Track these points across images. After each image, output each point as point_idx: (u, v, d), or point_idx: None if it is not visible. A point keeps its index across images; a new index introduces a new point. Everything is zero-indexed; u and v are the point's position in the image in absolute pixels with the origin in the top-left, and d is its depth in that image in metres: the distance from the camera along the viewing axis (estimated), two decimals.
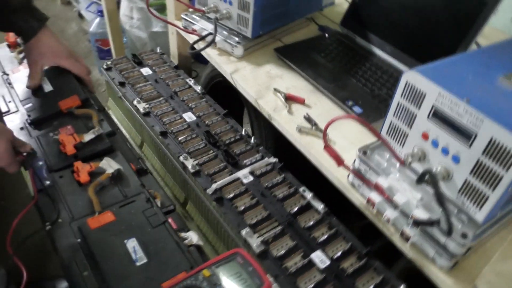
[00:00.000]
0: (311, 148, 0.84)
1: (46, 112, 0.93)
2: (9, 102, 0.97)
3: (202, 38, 1.09)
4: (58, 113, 0.93)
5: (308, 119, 0.90)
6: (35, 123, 0.91)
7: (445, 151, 0.62)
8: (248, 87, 0.98)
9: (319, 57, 1.06)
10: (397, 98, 0.67)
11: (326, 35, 1.15)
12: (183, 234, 0.75)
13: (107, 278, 0.63)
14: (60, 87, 0.99)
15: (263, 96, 0.96)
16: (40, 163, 0.79)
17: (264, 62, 1.07)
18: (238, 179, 0.87)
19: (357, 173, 0.73)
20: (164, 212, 0.76)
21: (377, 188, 0.68)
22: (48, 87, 0.99)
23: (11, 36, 1.15)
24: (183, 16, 1.15)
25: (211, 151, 0.93)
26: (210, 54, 1.09)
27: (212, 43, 1.05)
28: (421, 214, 0.64)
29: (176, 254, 0.68)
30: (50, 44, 0.96)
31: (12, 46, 1.15)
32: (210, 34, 1.07)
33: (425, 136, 0.64)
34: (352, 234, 0.78)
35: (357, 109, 0.90)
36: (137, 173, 0.84)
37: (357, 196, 0.76)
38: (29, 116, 0.92)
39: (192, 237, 0.74)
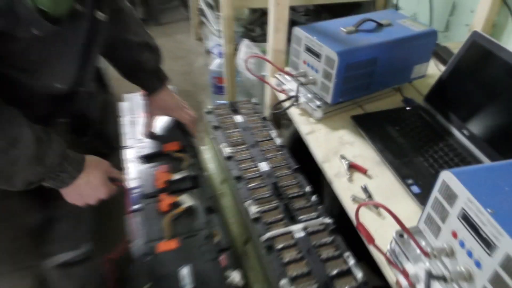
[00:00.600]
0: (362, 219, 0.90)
1: (152, 151, 1.16)
2: (130, 139, 1.22)
3: (287, 98, 1.22)
4: (160, 153, 1.15)
5: (365, 189, 0.96)
6: (143, 158, 1.14)
7: (469, 254, 0.64)
8: (318, 149, 1.08)
9: (394, 130, 1.10)
10: (435, 192, 0.70)
11: (408, 108, 1.19)
12: (229, 272, 0.87)
13: None
14: (168, 132, 1.22)
15: (329, 160, 1.05)
16: (138, 190, 1.00)
17: (340, 127, 1.15)
18: (290, 232, 0.97)
19: (391, 254, 0.78)
20: (218, 249, 0.90)
21: (404, 273, 0.72)
22: (159, 131, 1.23)
23: None
24: (276, 75, 1.30)
25: (274, 202, 1.05)
26: (293, 112, 1.22)
27: (291, 105, 1.17)
28: None
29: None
30: (165, 100, 1.16)
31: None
32: (294, 96, 1.19)
33: (454, 235, 0.67)
34: None
35: (414, 189, 0.93)
36: (206, 211, 0.99)
37: (390, 274, 0.80)
38: (139, 152, 1.16)
39: (235, 277, 0.86)
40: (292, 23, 2.67)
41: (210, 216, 1.00)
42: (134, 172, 1.10)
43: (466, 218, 0.64)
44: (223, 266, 0.88)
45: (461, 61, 1.10)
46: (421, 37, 1.18)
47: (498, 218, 0.59)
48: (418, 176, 0.97)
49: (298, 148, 1.20)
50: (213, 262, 0.86)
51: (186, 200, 0.98)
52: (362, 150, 1.07)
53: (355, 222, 0.89)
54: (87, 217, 1.09)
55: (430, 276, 0.64)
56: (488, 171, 0.68)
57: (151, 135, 1.20)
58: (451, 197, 0.67)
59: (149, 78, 1.11)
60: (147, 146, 1.18)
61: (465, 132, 1.05)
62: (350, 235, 0.94)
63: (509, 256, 0.56)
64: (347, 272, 0.89)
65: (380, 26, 1.20)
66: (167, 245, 0.88)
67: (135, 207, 0.99)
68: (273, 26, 1.28)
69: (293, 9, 2.67)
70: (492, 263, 0.59)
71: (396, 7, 2.01)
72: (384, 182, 0.98)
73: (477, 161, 0.99)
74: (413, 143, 1.06)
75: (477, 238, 0.62)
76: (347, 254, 0.92)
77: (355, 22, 1.19)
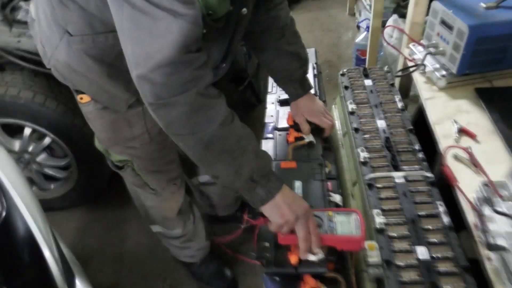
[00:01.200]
0: (456, 173, 1.01)
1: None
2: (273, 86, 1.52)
3: (414, 65, 1.34)
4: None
5: (468, 150, 1.05)
6: (280, 101, 1.41)
7: None
8: (433, 112, 1.19)
9: None
10: None
11: None
12: (332, 194, 1.09)
13: None
14: None
15: (441, 122, 1.16)
16: (271, 124, 1.27)
17: (461, 97, 1.23)
18: (392, 177, 1.13)
19: (475, 201, 0.89)
20: (327, 177, 1.12)
21: (480, 216, 0.83)
22: None
23: None
24: (410, 46, 1.42)
25: (383, 152, 1.21)
26: (418, 79, 1.33)
27: (415, 69, 1.29)
28: (502, 241, 0.77)
29: (319, 201, 1.04)
30: (306, 105, 1.24)
31: None
32: (420, 64, 1.30)
33: None
34: (463, 253, 0.93)
35: None
36: (323, 148, 1.22)
37: (471, 216, 0.91)
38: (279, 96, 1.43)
39: (336, 198, 1.07)
40: None
41: (328, 153, 1.21)
42: (272, 111, 1.38)
43: None
44: (329, 189, 1.10)
45: None
46: None
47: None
48: None
49: (421, 127, 1.31)
50: (320, 182, 1.09)
51: (309, 136, 1.22)
52: (477, 119, 1.14)
53: (455, 176, 1.01)
54: None
55: (485, 202, 0.75)
56: None
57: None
58: None
59: (294, 86, 1.22)
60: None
61: None
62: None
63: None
64: (435, 216, 1.02)
65: None
66: (288, 164, 1.14)
67: (269, 135, 1.27)
68: (414, 0, 1.39)
69: None
70: None
71: None
72: (491, 148, 1.05)
73: None
74: None
75: None
76: (439, 202, 1.04)
77: None
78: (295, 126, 1.29)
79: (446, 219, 1.01)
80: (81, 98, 1.05)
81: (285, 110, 1.37)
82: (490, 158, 1.03)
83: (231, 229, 1.82)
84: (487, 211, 0.83)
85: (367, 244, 0.98)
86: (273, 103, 1.44)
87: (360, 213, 0.93)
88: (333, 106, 1.71)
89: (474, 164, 1.01)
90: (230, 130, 0.81)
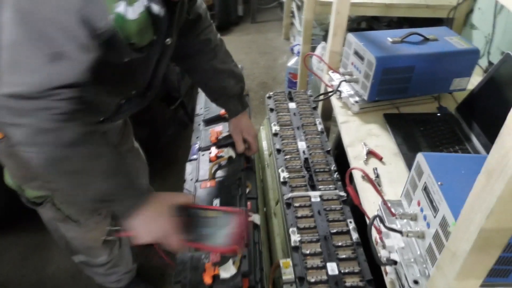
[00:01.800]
0: (362, 191, 1.09)
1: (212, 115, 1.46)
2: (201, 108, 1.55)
3: (331, 91, 1.44)
4: (219, 117, 1.44)
5: (375, 171, 1.14)
6: (205, 121, 1.45)
7: (424, 217, 0.82)
8: (347, 135, 1.29)
9: (418, 130, 1.26)
10: (412, 171, 0.89)
11: (438, 114, 1.33)
12: (251, 213, 1.13)
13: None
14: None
15: (353, 145, 1.25)
16: (196, 145, 1.30)
17: (372, 121, 1.34)
18: (308, 196, 1.20)
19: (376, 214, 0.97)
20: (246, 197, 1.16)
21: (376, 229, 0.91)
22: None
23: None
24: (329, 73, 1.52)
25: (302, 172, 1.28)
26: (335, 103, 1.43)
27: (330, 95, 1.39)
28: (395, 256, 0.85)
29: None
30: (246, 123, 1.29)
31: None
32: (338, 90, 1.41)
33: (418, 203, 0.85)
34: (368, 267, 1.01)
35: None
36: (245, 169, 1.25)
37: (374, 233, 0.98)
38: (204, 117, 1.46)
39: (255, 218, 1.11)
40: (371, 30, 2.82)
41: (249, 172, 1.26)
42: (198, 132, 1.40)
43: (426, 190, 0.82)
44: (248, 209, 1.14)
45: (492, 78, 1.22)
46: (462, 54, 1.32)
47: (443, 188, 0.76)
48: None
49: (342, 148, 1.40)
50: (238, 198, 1.12)
51: (229, 152, 1.26)
52: (384, 142, 1.25)
53: (361, 194, 1.09)
54: None
55: (377, 217, 0.83)
56: (455, 158, 0.85)
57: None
58: (420, 173, 0.85)
59: (233, 102, 1.26)
60: (210, 112, 1.48)
61: (481, 139, 1.17)
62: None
63: (444, 217, 0.74)
64: (346, 233, 1.09)
65: (425, 40, 1.35)
66: (208, 184, 1.18)
67: (193, 157, 1.29)
68: (332, 30, 1.50)
69: (376, 18, 2.81)
70: (435, 223, 0.77)
71: (472, 27, 2.07)
72: (395, 169, 1.16)
73: None
74: (432, 143, 1.21)
75: (429, 204, 0.80)
76: (349, 220, 1.12)
77: (403, 34, 1.36)
78: (218, 143, 1.32)
79: (355, 236, 1.08)
80: None
81: (208, 130, 1.40)
82: (393, 178, 1.13)
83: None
84: (383, 227, 0.90)
85: (282, 262, 1.03)
86: (199, 124, 1.47)
87: (244, 215, 0.94)
88: (261, 127, 1.77)
89: (378, 184, 1.10)
90: (75, 150, 0.77)
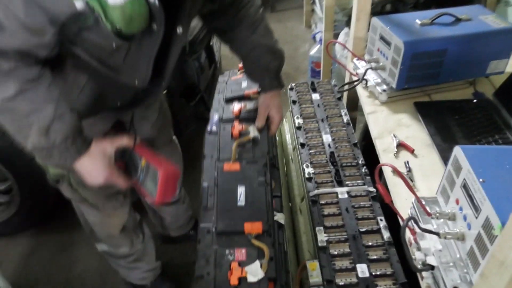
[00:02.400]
0: (393, 187, 1.02)
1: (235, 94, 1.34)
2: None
3: (356, 80, 1.36)
4: (242, 96, 1.31)
5: (406, 164, 1.07)
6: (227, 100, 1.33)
7: (464, 218, 0.75)
8: (375, 127, 1.21)
9: (452, 119, 1.17)
10: (448, 166, 0.81)
11: (474, 100, 1.23)
12: (276, 212, 1.08)
13: (219, 205, 1.00)
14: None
15: (382, 137, 1.17)
16: (216, 116, 1.23)
17: (401, 111, 1.26)
18: (335, 193, 1.13)
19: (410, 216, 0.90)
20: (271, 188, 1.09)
21: (410, 230, 0.84)
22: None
23: None
24: (354, 60, 1.44)
25: (328, 167, 1.21)
26: (361, 93, 1.35)
27: (356, 85, 1.31)
28: (432, 260, 0.78)
29: (262, 210, 0.98)
30: (275, 101, 1.21)
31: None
32: (361, 79, 1.32)
33: (457, 202, 0.78)
34: (401, 269, 0.94)
35: None
36: (269, 144, 1.15)
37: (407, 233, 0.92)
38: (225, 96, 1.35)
39: (279, 217, 1.06)
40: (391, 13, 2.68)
41: (272, 169, 1.18)
42: (217, 105, 1.31)
43: (465, 187, 0.74)
44: (273, 207, 1.08)
45: None
46: (498, 34, 1.21)
47: (486, 186, 0.69)
48: None
49: (370, 140, 1.31)
50: (265, 188, 1.03)
51: (254, 131, 1.16)
52: (415, 133, 1.17)
53: (392, 190, 1.02)
54: None
55: (412, 219, 0.75)
56: (497, 151, 0.77)
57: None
58: (458, 169, 0.77)
59: (270, 76, 1.19)
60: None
61: None
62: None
63: (488, 218, 0.67)
64: (376, 231, 1.03)
65: (457, 20, 1.25)
66: (232, 167, 1.08)
67: (214, 128, 1.22)
68: (355, 15, 1.42)
69: (401, 0, 2.67)
70: (477, 225, 0.70)
71: (506, 4, 1.93)
72: (428, 162, 1.08)
73: None
74: (468, 132, 1.12)
75: (470, 204, 0.72)
76: (380, 217, 1.05)
77: (433, 15, 1.26)
78: (241, 116, 1.23)
79: (386, 235, 1.02)
80: None
81: (230, 107, 1.29)
82: (427, 172, 1.05)
83: (184, 249, 1.79)
84: (418, 229, 0.83)
85: (308, 264, 0.97)
86: (219, 101, 1.35)
87: (166, 173, 0.92)
88: (284, 120, 1.71)
89: (410, 179, 1.02)
90: (13, 105, 0.83)
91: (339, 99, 1.49)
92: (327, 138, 1.32)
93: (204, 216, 1.00)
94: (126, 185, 0.99)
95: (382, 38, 1.27)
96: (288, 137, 1.61)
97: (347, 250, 0.99)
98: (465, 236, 0.74)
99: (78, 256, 1.81)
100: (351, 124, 1.37)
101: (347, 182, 1.16)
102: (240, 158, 1.11)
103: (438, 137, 1.12)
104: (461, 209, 0.76)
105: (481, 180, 0.70)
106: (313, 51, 2.63)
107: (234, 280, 0.88)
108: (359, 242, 1.01)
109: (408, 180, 1.01)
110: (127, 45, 0.87)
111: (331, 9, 2.21)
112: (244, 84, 1.37)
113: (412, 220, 0.77)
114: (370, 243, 1.00)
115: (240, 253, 0.92)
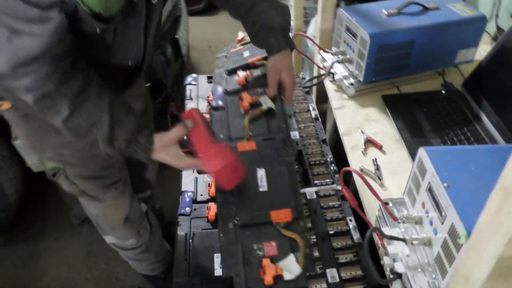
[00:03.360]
0: (362, 187, 0.99)
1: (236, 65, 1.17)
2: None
3: (323, 74, 1.31)
4: (244, 65, 1.15)
5: (374, 162, 1.03)
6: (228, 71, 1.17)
7: (431, 222, 0.71)
8: (342, 123, 1.17)
9: (420, 112, 1.14)
10: (414, 167, 0.78)
11: (443, 92, 1.21)
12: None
13: (238, 193, 0.87)
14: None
15: (350, 133, 1.13)
16: (219, 88, 1.10)
17: (369, 105, 1.22)
18: (303, 193, 1.09)
19: (377, 219, 0.87)
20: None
21: (379, 237, 0.81)
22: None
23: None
24: (321, 53, 1.39)
25: (296, 167, 1.17)
26: (328, 87, 1.31)
27: (322, 79, 1.26)
28: (399, 267, 0.75)
29: (288, 194, 0.87)
30: (286, 63, 1.05)
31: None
32: (330, 73, 1.28)
33: (423, 205, 0.74)
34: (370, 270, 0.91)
35: None
36: (283, 116, 1.02)
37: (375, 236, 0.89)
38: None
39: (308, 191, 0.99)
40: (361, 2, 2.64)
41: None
42: (218, 77, 1.18)
43: (431, 191, 0.71)
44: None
45: (503, 48, 1.09)
46: (467, 23, 1.18)
47: (450, 191, 0.65)
48: None
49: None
50: (287, 168, 0.91)
51: (266, 101, 1.01)
52: (384, 128, 1.13)
53: (360, 190, 0.99)
54: None
55: (376, 229, 0.72)
56: (462, 152, 0.73)
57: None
58: (423, 171, 0.74)
59: (276, 36, 1.04)
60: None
61: (493, 119, 1.05)
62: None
63: (453, 225, 0.63)
64: (346, 233, 1.00)
65: (425, 9, 1.21)
66: (247, 146, 0.94)
67: (219, 102, 1.06)
68: (321, 6, 1.37)
69: None
70: (443, 231, 0.67)
71: None
72: (396, 159, 1.05)
73: None
74: (436, 126, 1.09)
75: (436, 208, 0.69)
76: (349, 218, 1.02)
77: (400, 4, 1.22)
78: (247, 86, 1.07)
79: (356, 236, 0.99)
80: (1, 105, 1.00)
81: (234, 78, 1.13)
82: (395, 169, 1.02)
83: None
84: (386, 230, 0.80)
85: None
86: (221, 75, 1.19)
87: (213, 173, 0.87)
88: None
89: (378, 177, 0.99)
90: (74, 124, 0.83)
91: (308, 93, 1.45)
92: (294, 134, 1.27)
93: (222, 207, 0.88)
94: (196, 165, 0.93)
95: (348, 30, 1.23)
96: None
97: (317, 254, 0.96)
98: (431, 242, 0.71)
99: (45, 267, 1.74)
100: (320, 119, 1.33)
101: (315, 182, 1.12)
102: (254, 135, 0.97)
103: (407, 132, 1.09)
104: (427, 212, 0.73)
105: (445, 184, 0.67)
106: None
107: (268, 280, 0.77)
108: (329, 245, 0.97)
109: (375, 183, 0.98)
110: (112, 27, 0.84)
111: None
112: (246, 53, 1.22)
113: (383, 223, 0.73)
114: (339, 246, 0.97)
115: (271, 247, 0.81)
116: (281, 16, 1.03)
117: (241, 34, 1.40)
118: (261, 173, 0.89)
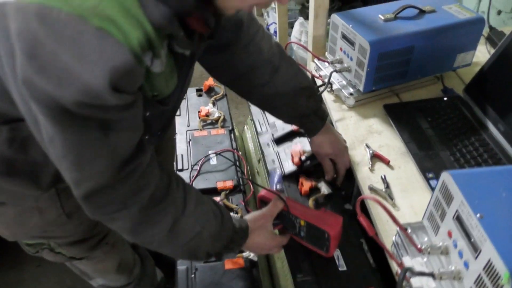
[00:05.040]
0: (373, 208, 0.93)
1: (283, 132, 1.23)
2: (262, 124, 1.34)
3: (321, 85, 1.25)
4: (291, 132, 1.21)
5: (384, 179, 0.98)
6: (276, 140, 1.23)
7: (460, 254, 0.66)
8: (345, 136, 1.11)
9: (425, 121, 1.09)
10: (436, 191, 0.72)
11: (445, 98, 1.16)
12: None
13: (316, 269, 0.91)
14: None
15: (354, 148, 1.08)
16: (277, 172, 1.10)
17: (371, 115, 1.17)
18: None
19: (395, 246, 0.81)
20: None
21: (400, 266, 0.75)
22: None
23: None
24: (315, 61, 1.33)
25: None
26: (326, 98, 1.25)
27: (323, 90, 1.20)
28: None
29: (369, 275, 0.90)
30: (329, 139, 1.05)
31: None
32: (326, 83, 1.22)
33: (449, 234, 0.69)
34: None
35: (434, 183, 0.94)
36: (342, 200, 1.06)
37: (394, 265, 0.83)
38: (272, 135, 1.24)
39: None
40: (350, 7, 2.60)
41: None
42: (271, 154, 1.19)
43: (459, 220, 0.66)
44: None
45: (506, 51, 1.05)
46: (465, 25, 1.13)
47: (485, 223, 0.60)
48: (440, 170, 0.95)
49: None
50: (359, 247, 0.95)
51: (326, 187, 1.06)
52: (389, 140, 1.08)
53: (372, 210, 0.93)
54: None
55: (408, 270, 0.66)
56: (490, 175, 0.68)
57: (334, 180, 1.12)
58: (448, 197, 0.68)
59: (309, 119, 1.03)
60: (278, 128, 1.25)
61: (500, 127, 1.01)
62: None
63: (490, 261, 0.58)
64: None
65: (421, 12, 1.17)
66: None
67: (278, 187, 1.09)
68: (313, 12, 1.30)
69: None
70: (477, 267, 0.61)
71: None
72: (405, 174, 0.99)
73: (509, 158, 0.96)
74: (443, 136, 1.05)
75: (466, 240, 0.64)
76: (361, 240, 0.97)
77: (396, 8, 1.16)
78: (303, 166, 1.10)
79: (370, 260, 0.93)
80: None
81: (285, 149, 1.17)
82: (405, 186, 0.97)
83: None
84: (407, 261, 0.75)
85: None
86: (268, 144, 1.23)
87: (335, 234, 0.89)
88: (245, 127, 1.59)
89: (389, 196, 0.94)
90: (179, 231, 0.76)
91: None
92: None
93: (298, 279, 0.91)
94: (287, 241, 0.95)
95: (344, 37, 1.17)
96: (251, 146, 1.49)
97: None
98: (461, 275, 0.66)
99: None
100: None
101: None
102: None
103: (413, 144, 1.04)
104: (455, 243, 0.67)
105: (478, 215, 0.61)
106: None
107: None
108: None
109: (387, 203, 0.92)
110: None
111: None
112: None
113: (403, 250, 0.68)
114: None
115: None
116: (310, 99, 1.00)
117: None
118: (337, 253, 0.95)
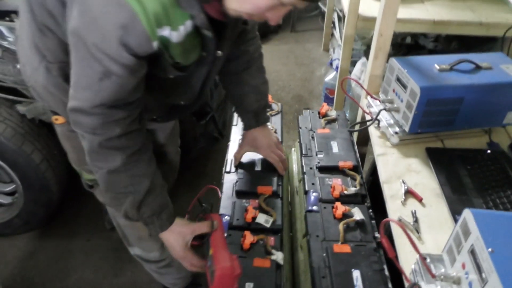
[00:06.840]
0: (398, 238, 0.99)
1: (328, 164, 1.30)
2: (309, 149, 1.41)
3: (369, 120, 1.34)
4: (335, 167, 1.28)
5: (413, 214, 1.04)
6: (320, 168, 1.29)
7: (470, 285, 0.72)
8: (384, 170, 1.18)
9: (464, 169, 1.14)
10: (457, 226, 0.79)
11: (489, 151, 1.21)
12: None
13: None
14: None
15: (390, 181, 1.15)
16: (314, 194, 1.20)
17: (412, 155, 1.23)
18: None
19: (413, 272, 0.87)
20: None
21: (408, 280, 0.81)
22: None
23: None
24: (368, 98, 1.42)
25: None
26: (372, 132, 1.33)
27: (368, 125, 1.28)
28: None
29: None
30: (257, 138, 1.26)
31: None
32: (374, 119, 1.30)
33: (463, 266, 0.75)
34: None
35: None
36: (371, 225, 1.11)
37: None
38: (318, 163, 1.31)
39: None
40: (418, 47, 2.66)
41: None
42: (312, 181, 1.27)
43: (473, 253, 0.72)
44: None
45: None
46: None
47: (495, 257, 0.66)
48: None
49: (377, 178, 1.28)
50: (381, 273, 0.98)
51: (358, 213, 1.12)
52: (425, 180, 1.14)
53: (397, 240, 0.99)
54: None
55: (415, 285, 0.73)
56: (508, 218, 0.74)
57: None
58: (466, 232, 0.75)
59: (248, 116, 1.25)
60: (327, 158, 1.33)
61: None
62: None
63: None
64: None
65: (478, 68, 1.23)
66: (342, 249, 1.04)
67: (314, 208, 1.16)
68: (373, 53, 1.41)
69: (424, 34, 2.66)
70: None
71: None
72: (436, 213, 1.05)
73: None
74: (479, 185, 1.09)
75: (476, 271, 0.70)
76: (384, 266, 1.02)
77: (453, 61, 1.24)
78: (340, 198, 1.19)
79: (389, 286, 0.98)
80: (56, 119, 1.11)
81: (325, 179, 1.26)
82: (434, 224, 1.02)
83: None
84: (421, 285, 0.81)
85: None
86: (311, 168, 1.31)
87: (220, 273, 0.94)
88: (293, 149, 1.69)
89: (416, 230, 1.00)
90: (117, 177, 0.92)
91: (350, 133, 1.47)
92: None
93: None
94: (196, 268, 1.07)
95: (398, 80, 1.26)
96: (295, 167, 1.59)
97: None
98: None
99: (74, 265, 1.80)
100: (359, 162, 1.35)
101: None
102: (347, 239, 1.07)
103: (448, 187, 1.09)
104: (467, 274, 0.73)
105: (490, 250, 0.67)
106: (328, 77, 2.62)
107: None
108: None
109: (413, 235, 0.98)
110: (183, 74, 0.94)
111: (350, 39, 2.21)
112: (335, 145, 1.36)
113: (420, 277, 0.74)
114: None
115: None
116: (257, 102, 1.22)
117: (325, 107, 1.53)
118: (356, 275, 0.98)
